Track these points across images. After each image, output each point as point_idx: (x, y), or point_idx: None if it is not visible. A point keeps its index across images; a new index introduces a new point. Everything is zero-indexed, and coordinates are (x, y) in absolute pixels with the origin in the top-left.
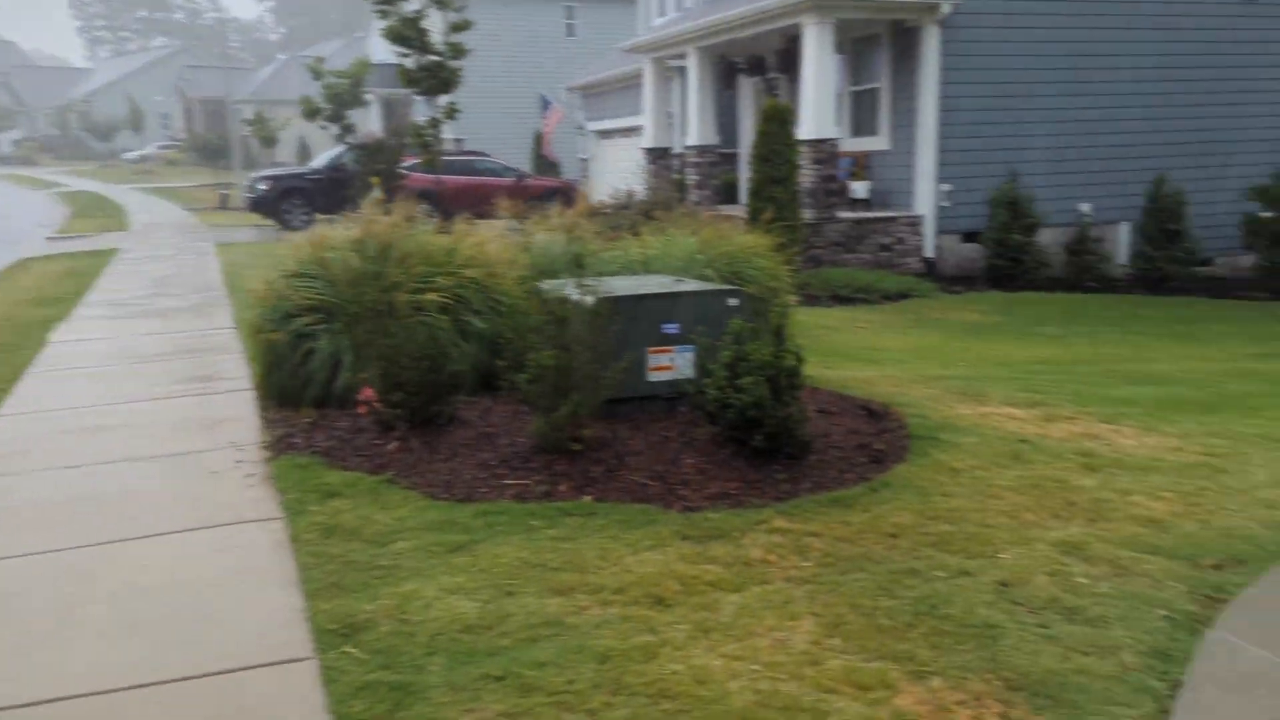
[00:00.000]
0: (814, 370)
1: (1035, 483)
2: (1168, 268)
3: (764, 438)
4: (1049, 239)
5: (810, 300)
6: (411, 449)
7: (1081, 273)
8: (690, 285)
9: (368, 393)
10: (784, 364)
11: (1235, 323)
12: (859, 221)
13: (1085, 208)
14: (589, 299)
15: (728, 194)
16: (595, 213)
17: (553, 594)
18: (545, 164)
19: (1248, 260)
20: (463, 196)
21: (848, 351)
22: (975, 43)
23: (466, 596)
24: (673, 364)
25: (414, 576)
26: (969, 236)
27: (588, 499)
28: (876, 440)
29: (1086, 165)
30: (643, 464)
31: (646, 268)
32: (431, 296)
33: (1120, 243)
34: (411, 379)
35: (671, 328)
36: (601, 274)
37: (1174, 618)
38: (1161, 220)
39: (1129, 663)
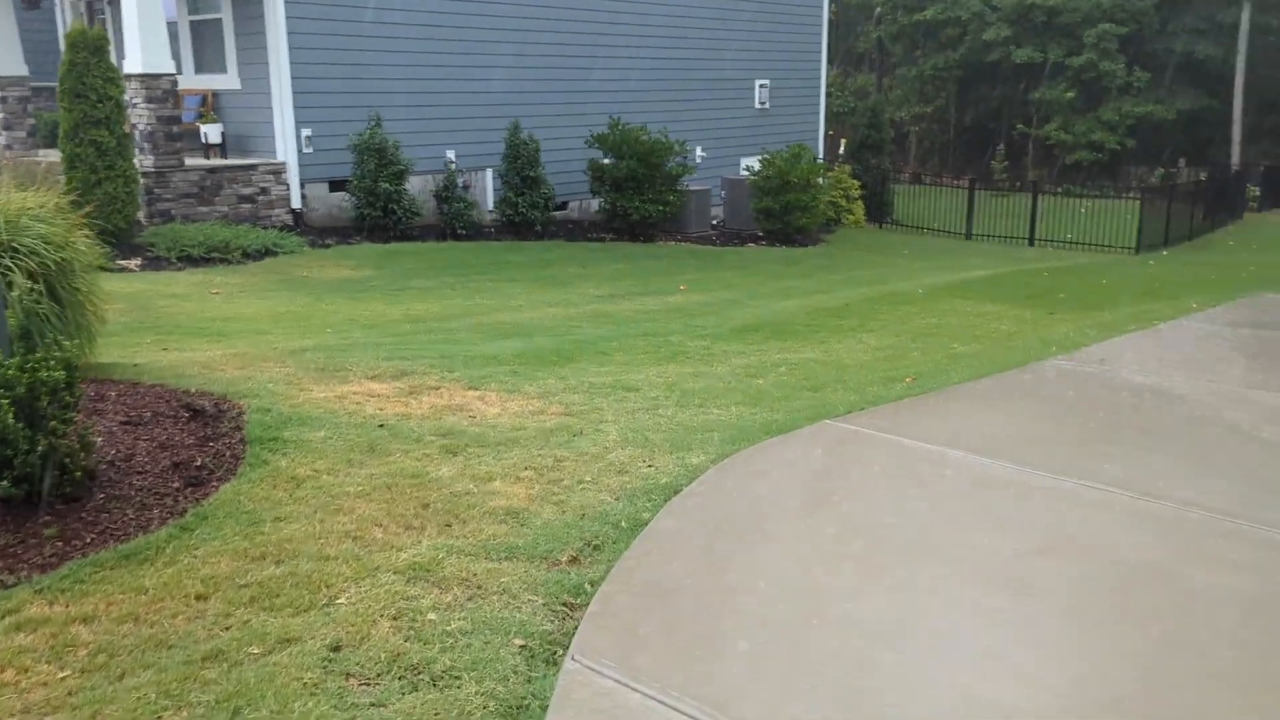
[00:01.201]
0: (146, 356)
1: (390, 482)
2: (529, 213)
3: (15, 483)
4: (419, 187)
5: (155, 264)
6: None
7: (452, 220)
8: None
9: None
10: (43, 377)
11: (588, 264)
12: (213, 170)
13: (451, 155)
14: None
15: (51, 137)
16: None
17: None
18: None
19: (596, 203)
20: None
21: (194, 326)
22: None
23: None
24: None
25: None
26: (337, 185)
27: None
28: (200, 453)
29: (451, 112)
30: None
31: None
32: None
33: (488, 189)
34: None
35: None
36: None
37: (531, 648)
38: (520, 167)
39: None
